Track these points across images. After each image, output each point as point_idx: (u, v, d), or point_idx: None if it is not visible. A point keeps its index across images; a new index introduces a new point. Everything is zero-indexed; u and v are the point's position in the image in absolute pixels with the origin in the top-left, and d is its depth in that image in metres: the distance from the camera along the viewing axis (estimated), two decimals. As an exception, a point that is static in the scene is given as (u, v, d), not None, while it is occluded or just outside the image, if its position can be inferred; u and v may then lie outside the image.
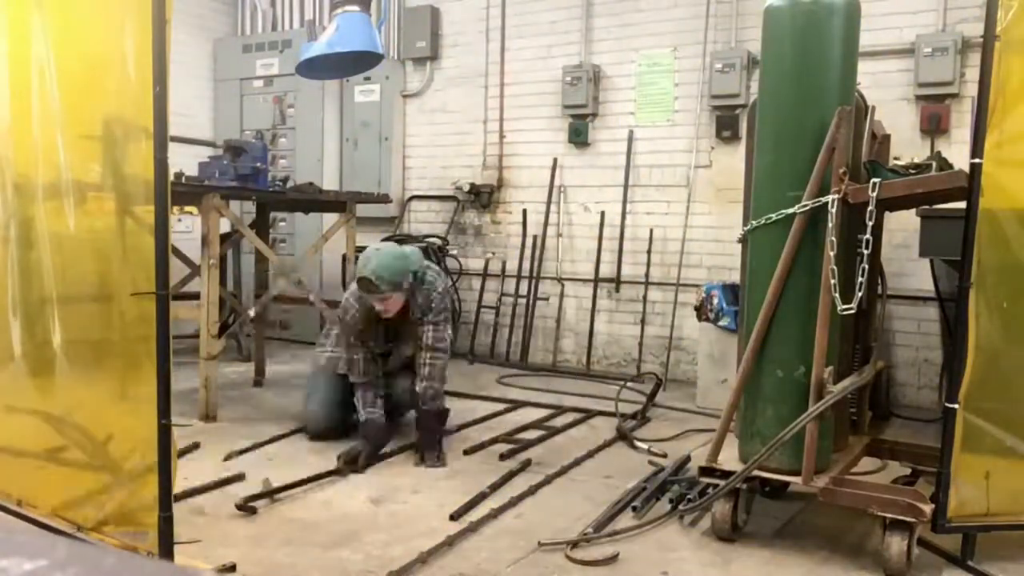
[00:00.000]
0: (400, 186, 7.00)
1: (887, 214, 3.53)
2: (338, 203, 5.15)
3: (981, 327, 2.59)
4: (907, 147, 4.57)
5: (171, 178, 4.17)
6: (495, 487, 3.37)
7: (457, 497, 3.23)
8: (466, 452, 3.89)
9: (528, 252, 6.43)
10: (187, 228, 6.06)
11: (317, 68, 4.89)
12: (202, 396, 4.33)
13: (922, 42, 4.96)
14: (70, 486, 2.61)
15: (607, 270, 6.12)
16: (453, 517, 3.03)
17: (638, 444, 4.09)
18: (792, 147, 2.85)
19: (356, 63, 4.94)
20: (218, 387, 4.46)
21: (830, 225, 2.73)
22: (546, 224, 6.34)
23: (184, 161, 5.15)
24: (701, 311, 5.03)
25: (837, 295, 2.71)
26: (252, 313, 4.92)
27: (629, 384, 5.29)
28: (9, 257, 2.76)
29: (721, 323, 4.92)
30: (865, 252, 2.80)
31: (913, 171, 2.92)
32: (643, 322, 6.00)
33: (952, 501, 2.63)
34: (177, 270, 4.56)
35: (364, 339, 3.94)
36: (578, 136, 6.17)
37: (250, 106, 7.34)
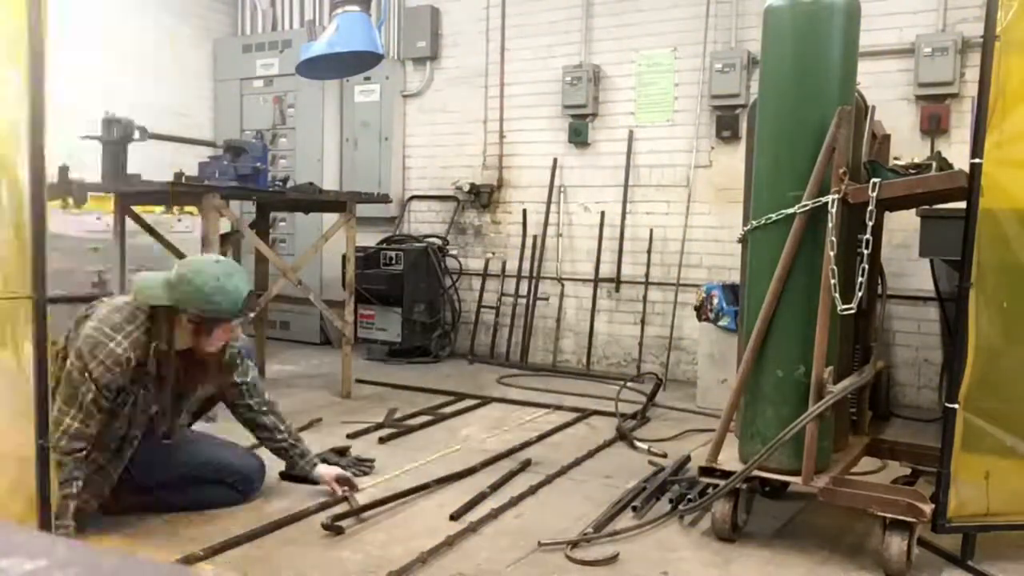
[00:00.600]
0: (400, 186, 7.00)
1: (887, 214, 3.53)
2: (338, 203, 5.14)
3: (981, 327, 2.59)
4: (907, 147, 4.57)
5: (171, 178, 4.18)
6: (495, 487, 3.37)
7: (457, 497, 3.23)
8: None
9: (528, 252, 6.43)
10: (187, 228, 6.06)
11: (317, 68, 4.89)
12: (202, 396, 4.32)
13: (922, 42, 4.96)
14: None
15: (607, 270, 6.13)
16: (453, 517, 3.03)
17: (638, 444, 4.09)
18: (792, 147, 2.85)
19: (356, 63, 4.94)
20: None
21: (830, 225, 2.73)
22: (546, 224, 6.34)
23: (184, 161, 5.16)
24: (701, 311, 5.03)
25: (837, 295, 2.71)
26: (252, 313, 4.92)
27: (629, 384, 5.29)
28: None
29: (721, 323, 4.92)
30: (865, 252, 2.80)
31: (913, 171, 2.92)
32: (643, 322, 6.00)
33: (952, 501, 2.63)
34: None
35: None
36: (578, 136, 6.17)
37: (250, 106, 7.34)
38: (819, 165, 2.76)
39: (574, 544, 2.80)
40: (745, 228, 3.08)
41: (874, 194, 2.74)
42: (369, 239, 6.60)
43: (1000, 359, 2.66)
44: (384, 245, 6.57)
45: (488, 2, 6.54)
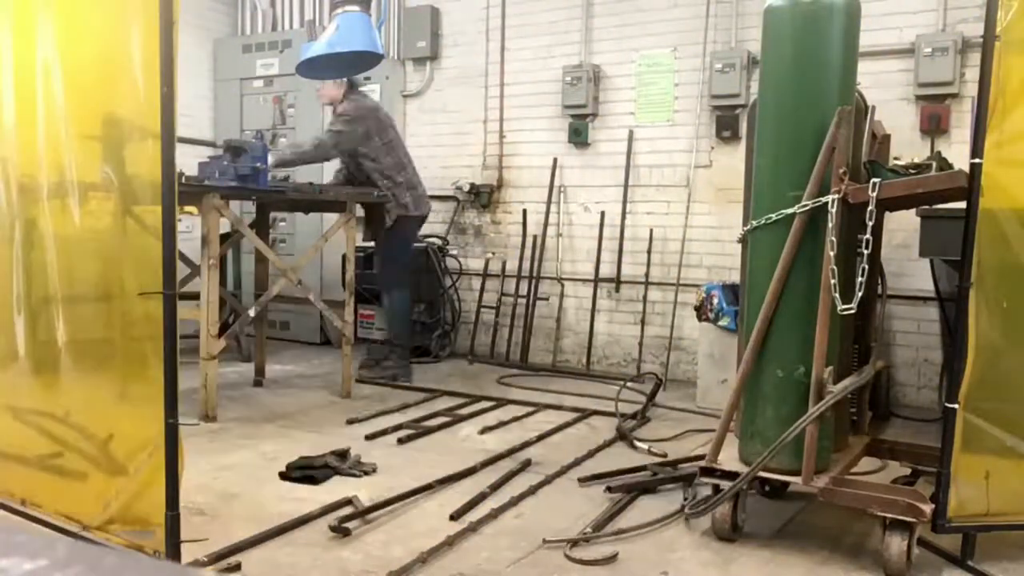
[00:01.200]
0: (400, 186, 6.99)
1: (887, 214, 3.53)
2: (338, 203, 5.14)
3: (981, 327, 2.59)
4: (907, 147, 4.57)
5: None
6: (495, 487, 3.37)
7: (457, 497, 3.23)
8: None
9: (528, 252, 6.43)
10: (187, 228, 6.06)
11: (317, 68, 4.89)
12: (202, 396, 4.33)
13: (922, 42, 4.96)
14: (74, 485, 2.61)
15: (607, 270, 6.13)
16: (453, 517, 3.03)
17: (638, 444, 4.09)
18: (792, 147, 2.85)
19: (356, 63, 4.95)
20: (218, 387, 4.46)
21: (830, 225, 2.73)
22: (546, 224, 6.34)
23: (184, 161, 5.13)
24: (701, 311, 5.03)
25: (837, 295, 2.71)
26: (252, 313, 4.92)
27: (629, 384, 5.29)
28: (14, 257, 2.76)
29: (721, 323, 4.92)
30: (865, 252, 2.80)
31: (913, 171, 2.92)
32: (643, 322, 6.00)
33: (952, 501, 2.63)
34: (177, 270, 4.56)
35: None
36: (578, 136, 6.17)
37: (250, 106, 7.34)
38: (819, 165, 2.76)
39: (574, 543, 2.80)
40: (745, 228, 3.08)
41: (874, 194, 2.74)
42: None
43: (1000, 359, 2.66)
44: (384, 245, 6.56)
45: (488, 2, 6.54)
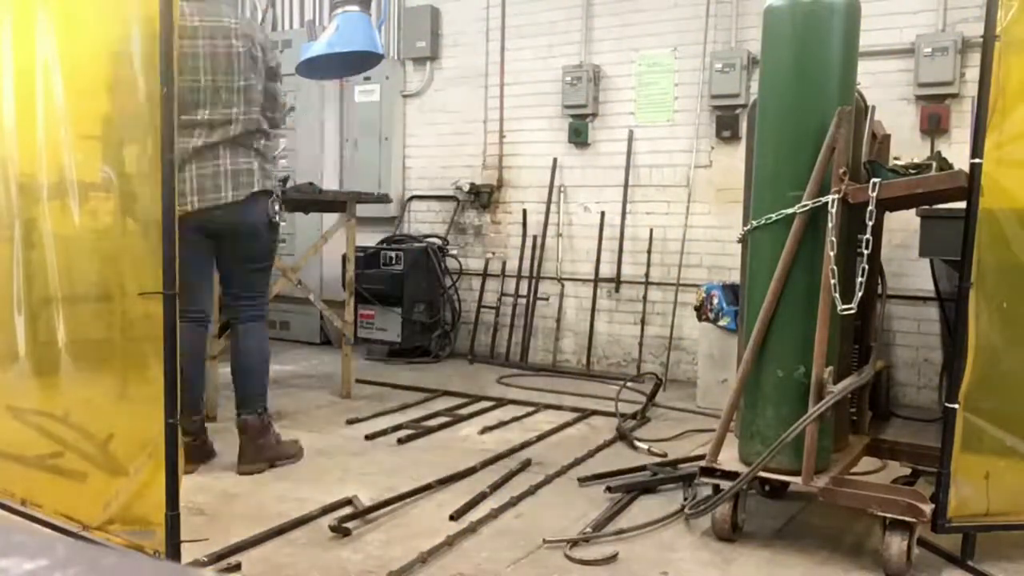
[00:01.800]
0: (400, 186, 7.00)
1: (887, 214, 3.53)
2: (338, 203, 5.15)
3: (981, 327, 2.59)
4: (907, 147, 4.57)
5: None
6: (495, 487, 3.37)
7: (457, 497, 3.23)
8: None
9: (528, 252, 6.43)
10: (187, 228, 6.06)
11: (317, 68, 4.89)
12: (202, 396, 4.33)
13: (922, 42, 4.96)
14: (74, 485, 2.61)
15: (607, 270, 6.13)
16: (453, 517, 3.03)
17: (638, 444, 4.09)
18: (792, 147, 2.85)
19: (356, 63, 4.94)
20: (218, 387, 4.46)
21: (830, 225, 2.73)
22: (546, 224, 6.34)
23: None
24: (701, 311, 5.03)
25: (837, 295, 2.71)
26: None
27: (629, 384, 5.29)
28: (14, 257, 2.76)
29: (721, 323, 4.92)
30: (865, 252, 2.80)
31: (913, 171, 2.92)
32: (643, 322, 6.00)
33: (952, 501, 2.63)
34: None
35: None
36: (578, 136, 6.17)
37: (250, 106, 7.33)
38: (819, 165, 2.76)
39: (574, 543, 2.80)
40: (745, 228, 3.08)
41: (874, 194, 2.74)
42: (369, 239, 6.59)
43: (1000, 359, 2.66)
44: (384, 245, 6.57)
45: (488, 2, 6.54)
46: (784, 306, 2.83)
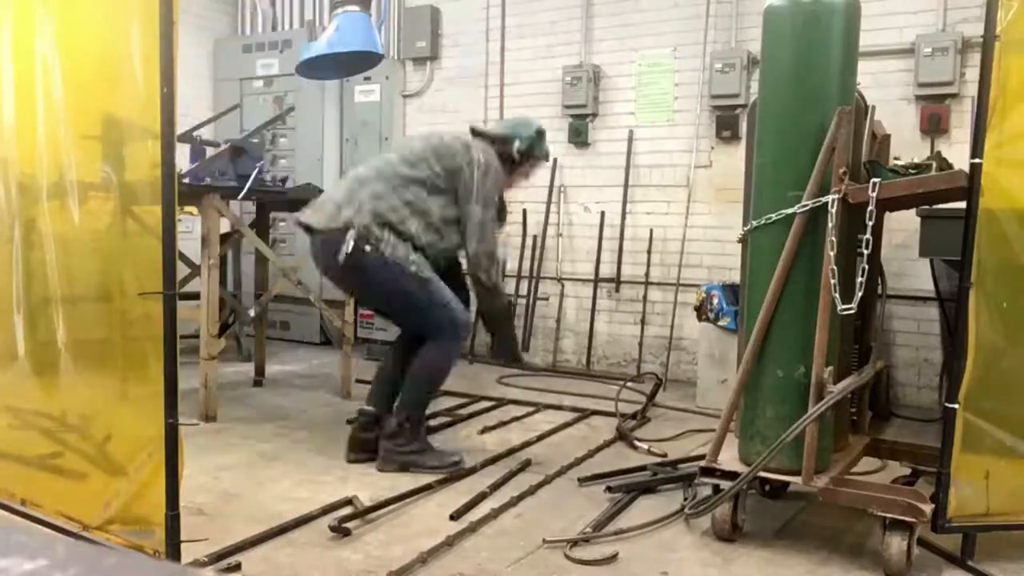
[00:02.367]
0: (400, 186, 6.99)
1: (887, 214, 3.53)
2: (338, 203, 5.13)
3: (981, 327, 2.59)
4: (907, 147, 4.57)
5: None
6: (495, 487, 3.37)
7: (457, 497, 3.23)
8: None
9: (528, 252, 6.43)
10: (187, 228, 6.06)
11: (317, 68, 4.89)
12: (202, 396, 4.33)
13: (922, 42, 4.96)
14: (74, 486, 2.61)
15: (607, 270, 6.13)
16: (453, 517, 3.03)
17: (638, 444, 4.09)
18: (792, 147, 2.85)
19: (356, 63, 4.94)
20: (218, 387, 4.46)
21: (830, 225, 2.73)
22: (546, 224, 6.34)
23: (185, 161, 5.15)
24: (701, 311, 5.03)
25: (837, 295, 2.71)
26: (252, 313, 4.92)
27: (629, 384, 5.29)
28: (14, 257, 2.76)
29: (721, 323, 4.92)
30: (865, 252, 2.80)
31: (913, 171, 2.92)
32: (643, 322, 6.00)
33: (952, 501, 2.63)
34: (177, 270, 4.57)
35: None
36: (578, 136, 6.17)
37: (250, 106, 7.34)
38: (819, 165, 2.76)
39: (574, 543, 2.80)
40: (745, 228, 3.08)
41: (874, 194, 2.74)
42: (369, 239, 6.58)
43: (1000, 359, 2.66)
44: (384, 245, 6.55)
45: (488, 2, 6.54)
46: (784, 306, 2.83)
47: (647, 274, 5.96)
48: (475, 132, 3.84)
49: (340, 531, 2.84)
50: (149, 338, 2.31)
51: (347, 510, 3.04)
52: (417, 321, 3.76)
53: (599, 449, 4.03)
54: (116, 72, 2.48)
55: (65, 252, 2.63)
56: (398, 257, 3.54)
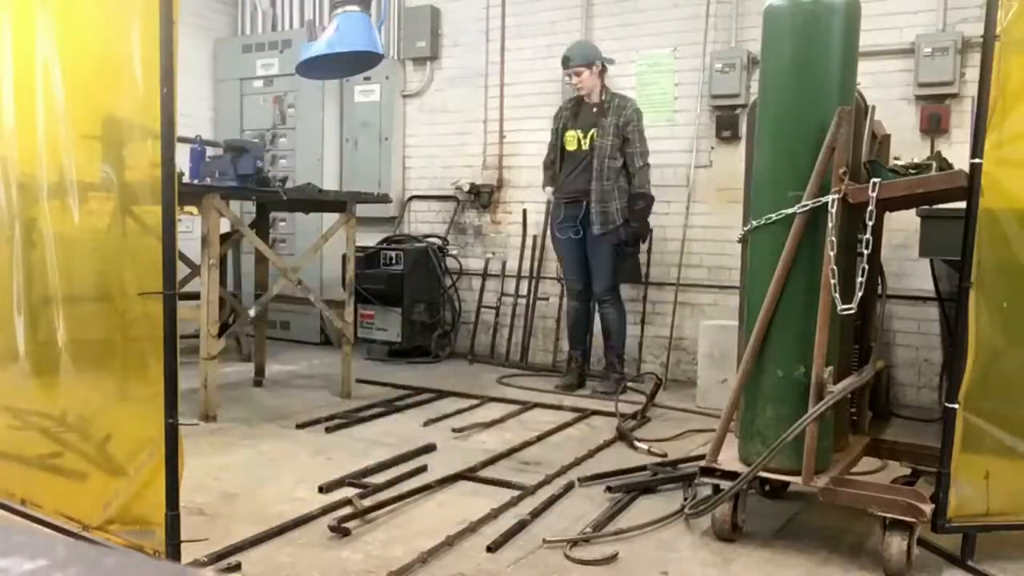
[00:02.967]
0: (400, 186, 7.00)
1: (887, 214, 3.53)
2: (338, 203, 5.15)
3: (981, 327, 2.59)
4: (907, 147, 4.57)
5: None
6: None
7: (457, 497, 3.23)
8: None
9: (528, 252, 6.43)
10: (187, 228, 6.06)
11: (317, 68, 4.88)
12: (202, 396, 4.33)
13: (922, 42, 4.96)
14: (74, 485, 2.61)
15: (607, 270, 6.11)
16: (453, 517, 3.02)
17: (638, 444, 4.09)
18: (792, 147, 2.85)
19: (356, 63, 4.94)
20: (218, 387, 4.46)
21: (830, 225, 2.73)
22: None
23: (185, 161, 5.15)
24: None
25: (837, 295, 2.71)
26: (252, 313, 4.92)
27: (629, 384, 5.28)
28: (14, 257, 2.76)
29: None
30: (865, 252, 2.80)
31: (913, 171, 2.92)
32: (643, 322, 5.99)
33: (952, 501, 2.63)
34: (177, 270, 4.57)
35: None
36: (578, 136, 6.16)
37: (250, 106, 7.34)
38: (819, 165, 2.76)
39: (574, 543, 2.80)
40: (745, 228, 3.08)
41: (874, 194, 2.74)
42: (369, 239, 6.59)
43: (1000, 359, 2.66)
44: (384, 245, 6.57)
45: (488, 2, 6.54)
46: (784, 306, 2.83)
47: (647, 274, 5.95)
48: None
49: (340, 531, 2.84)
50: (149, 338, 2.31)
51: (347, 510, 3.04)
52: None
53: (599, 449, 4.03)
54: (116, 72, 2.48)
55: (65, 252, 2.63)
56: None
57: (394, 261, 6.38)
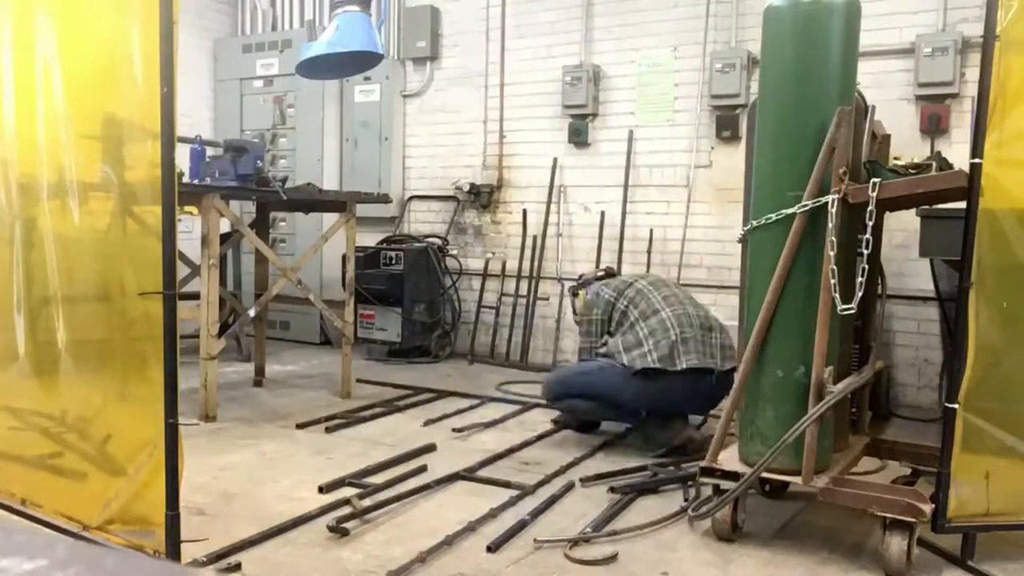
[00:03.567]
0: (400, 186, 7.00)
1: (887, 214, 3.53)
2: (338, 203, 5.15)
3: (981, 327, 2.59)
4: (907, 147, 4.57)
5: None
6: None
7: (457, 497, 3.23)
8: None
9: (528, 252, 6.43)
10: (187, 228, 6.06)
11: (317, 68, 4.89)
12: (202, 396, 4.33)
13: (922, 42, 4.96)
14: (74, 485, 2.61)
15: (607, 270, 6.12)
16: (453, 518, 3.02)
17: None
18: (792, 147, 2.85)
19: (356, 63, 4.94)
20: (218, 387, 4.46)
21: (830, 225, 2.73)
22: (546, 224, 6.34)
23: (185, 161, 5.15)
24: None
25: (837, 295, 2.71)
26: (252, 313, 4.92)
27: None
28: (14, 257, 2.76)
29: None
30: (865, 252, 2.80)
31: (913, 171, 2.92)
32: (643, 322, 5.98)
33: (952, 501, 2.63)
34: (177, 270, 4.57)
35: None
36: (578, 136, 6.17)
37: (250, 106, 7.34)
38: (819, 165, 2.76)
39: (573, 543, 2.80)
40: (745, 228, 3.08)
41: (874, 194, 2.74)
42: (369, 239, 6.60)
43: (1000, 359, 2.66)
44: (384, 245, 6.57)
45: (488, 2, 6.54)
46: (784, 306, 2.83)
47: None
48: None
49: (339, 531, 2.84)
50: (149, 338, 2.31)
51: (346, 510, 3.04)
52: None
53: (599, 449, 4.02)
54: (116, 72, 2.48)
55: (65, 252, 2.63)
56: None
57: (394, 261, 6.38)
